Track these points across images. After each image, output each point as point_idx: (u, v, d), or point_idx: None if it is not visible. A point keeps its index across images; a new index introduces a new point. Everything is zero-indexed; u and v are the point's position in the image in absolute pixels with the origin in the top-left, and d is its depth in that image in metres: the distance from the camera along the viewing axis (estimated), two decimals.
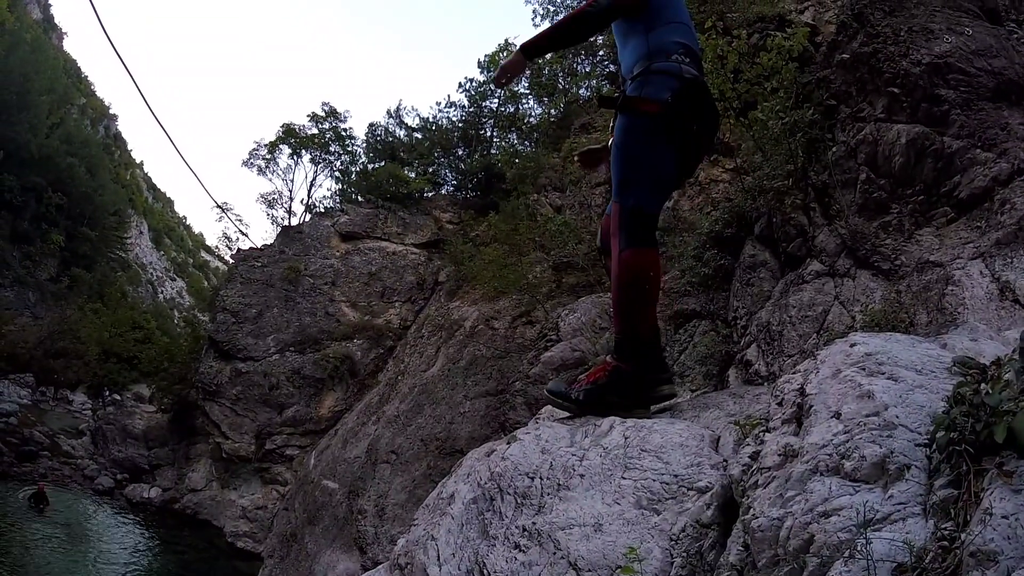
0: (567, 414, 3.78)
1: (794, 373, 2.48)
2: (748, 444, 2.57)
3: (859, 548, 1.56)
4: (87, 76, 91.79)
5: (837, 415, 2.04)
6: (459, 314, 19.04)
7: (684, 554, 2.50)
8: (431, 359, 18.13)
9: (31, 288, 44.47)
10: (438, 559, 3.53)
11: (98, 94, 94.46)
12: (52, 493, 23.22)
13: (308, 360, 23.36)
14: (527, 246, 16.90)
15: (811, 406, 2.18)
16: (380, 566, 4.73)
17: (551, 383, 3.79)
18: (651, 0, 3.24)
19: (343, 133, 32.18)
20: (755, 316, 8.25)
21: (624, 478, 3.04)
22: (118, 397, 29.98)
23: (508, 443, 3.73)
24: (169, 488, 25.42)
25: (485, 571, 3.12)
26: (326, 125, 31.76)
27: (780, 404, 2.44)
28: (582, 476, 3.18)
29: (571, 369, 11.76)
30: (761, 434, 2.50)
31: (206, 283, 77.77)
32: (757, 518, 1.98)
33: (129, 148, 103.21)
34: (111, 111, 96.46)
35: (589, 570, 2.70)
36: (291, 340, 23.97)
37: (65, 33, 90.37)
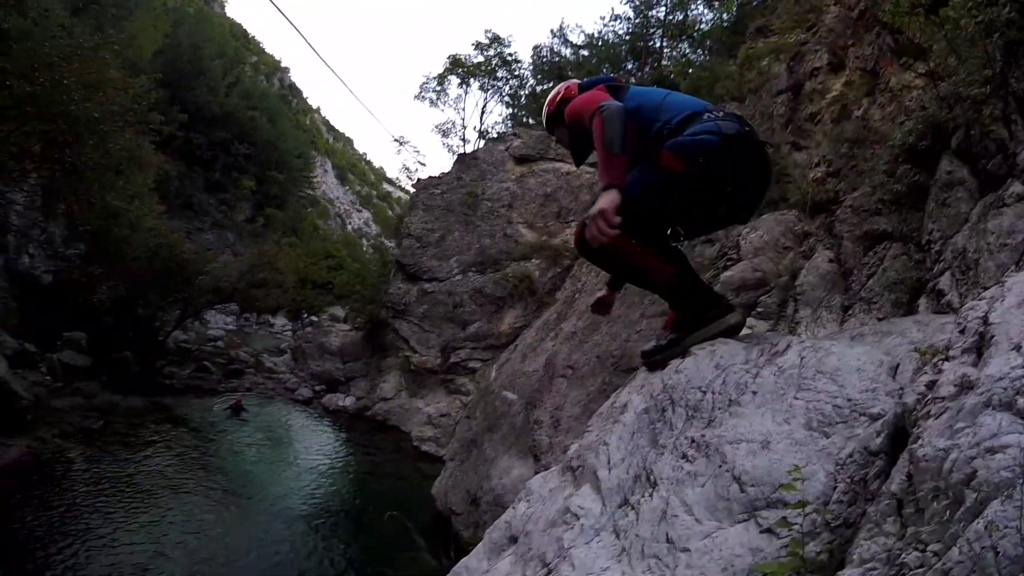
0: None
1: (979, 300, 2.31)
2: (926, 373, 2.43)
3: (1018, 489, 1.49)
4: (254, 36, 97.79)
5: (1018, 348, 1.90)
6: None
7: (848, 480, 2.43)
8: (608, 278, 18.63)
9: (229, 229, 49.56)
10: (608, 463, 3.73)
11: (268, 51, 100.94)
12: (256, 404, 26.40)
13: (489, 280, 24.81)
14: None
15: (993, 336, 2.04)
16: (553, 468, 4.69)
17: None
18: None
19: (508, 58, 32.45)
20: (950, 241, 7.42)
21: (796, 398, 2.94)
22: (315, 319, 33.00)
23: (682, 357, 3.76)
24: (362, 397, 28.12)
25: (652, 477, 3.25)
26: (491, 52, 32.18)
27: (962, 332, 2.30)
28: (754, 393, 3.13)
29: (751, 291, 11.49)
30: (940, 363, 2.35)
31: (390, 212, 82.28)
32: (923, 448, 1.93)
33: (305, 96, 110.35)
34: (282, 64, 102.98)
35: (753, 485, 2.73)
36: (472, 261, 25.51)
37: (226, 1, 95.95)
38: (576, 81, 4.09)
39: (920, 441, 1.97)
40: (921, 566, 1.73)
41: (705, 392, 3.32)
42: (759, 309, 10.62)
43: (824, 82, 12.63)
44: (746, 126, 3.13)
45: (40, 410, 19.98)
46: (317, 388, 29.38)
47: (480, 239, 25.80)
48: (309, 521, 18.77)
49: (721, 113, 3.11)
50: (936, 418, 2.03)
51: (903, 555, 1.83)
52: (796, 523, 2.31)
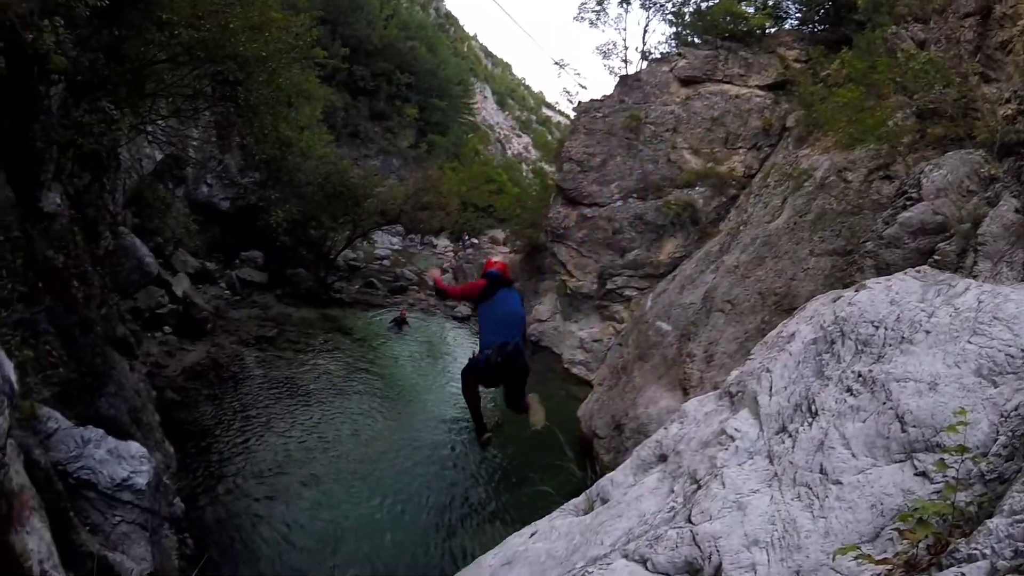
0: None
1: None
2: None
3: None
4: None
5: None
6: (808, 163, 17.85)
7: (1009, 433, 2.42)
8: (776, 210, 17.31)
9: (394, 156, 51.22)
10: (770, 389, 3.81)
11: None
12: (417, 319, 27.59)
13: (650, 207, 23.75)
14: (887, 88, 14.67)
15: None
16: (710, 393, 4.87)
17: None
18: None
19: None
20: None
21: (970, 343, 2.91)
22: (475, 241, 33.52)
23: (856, 290, 3.81)
24: None
25: (813, 407, 3.31)
26: None
27: None
28: (927, 333, 3.14)
29: (929, 236, 10.51)
30: None
31: (549, 137, 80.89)
32: None
33: (462, 24, 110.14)
34: None
35: (915, 426, 2.74)
36: (633, 187, 24.44)
37: None
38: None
39: None
40: None
41: (877, 327, 3.32)
42: (936, 257, 9.73)
43: (1016, 6, 10.90)
44: (498, 356, 6.81)
45: (220, 320, 21.84)
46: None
47: (642, 164, 24.60)
48: (460, 428, 19.78)
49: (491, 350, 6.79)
50: None
51: None
52: (952, 468, 2.34)
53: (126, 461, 6.76)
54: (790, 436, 3.24)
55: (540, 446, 18.51)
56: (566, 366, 24.83)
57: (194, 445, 15.72)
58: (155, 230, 19.56)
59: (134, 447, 7.04)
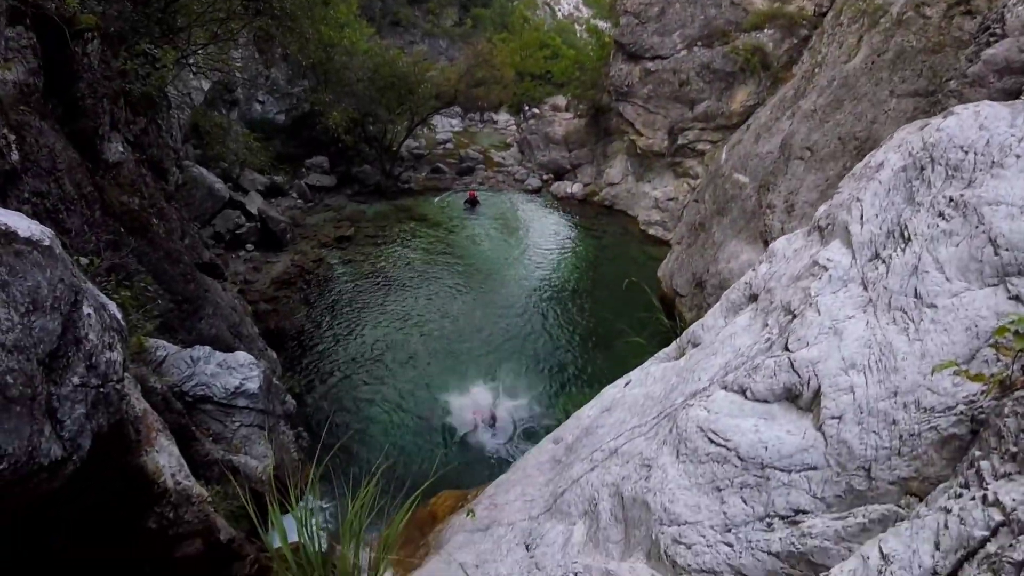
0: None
1: None
2: None
3: None
4: None
5: None
6: None
7: None
8: (852, 50, 16.24)
9: (439, 37, 49.39)
10: (861, 218, 3.83)
11: None
12: (488, 196, 27.70)
13: (717, 54, 22.51)
14: None
15: None
16: (796, 231, 4.71)
17: None
18: None
19: None
20: None
21: None
22: (536, 111, 32.87)
23: (944, 116, 3.70)
24: (589, 183, 28.31)
25: (906, 233, 3.34)
26: None
27: None
28: (1018, 157, 3.08)
29: (1017, 75, 9.74)
30: None
31: None
32: None
33: None
34: None
35: (1007, 249, 2.75)
36: (697, 35, 23.13)
37: None
38: None
39: None
40: None
41: (967, 152, 3.33)
42: None
43: None
44: None
45: (297, 228, 22.54)
46: (545, 177, 29.98)
47: (704, 9, 23.07)
48: (546, 295, 20.70)
49: None
50: None
51: None
52: None
53: (236, 370, 7.33)
54: (883, 262, 3.34)
55: (627, 303, 19.22)
56: (642, 227, 24.85)
57: (295, 347, 16.96)
58: (218, 156, 20.02)
59: (241, 356, 7.60)
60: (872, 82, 14.46)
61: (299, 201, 24.66)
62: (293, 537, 9.86)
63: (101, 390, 3.74)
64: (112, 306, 4.51)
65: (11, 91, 7.36)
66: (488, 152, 33.56)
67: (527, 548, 4.09)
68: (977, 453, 2.17)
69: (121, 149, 9.73)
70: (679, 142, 23.91)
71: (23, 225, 3.28)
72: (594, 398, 5.76)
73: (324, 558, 8.17)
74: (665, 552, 3.16)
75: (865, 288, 3.35)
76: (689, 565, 3.03)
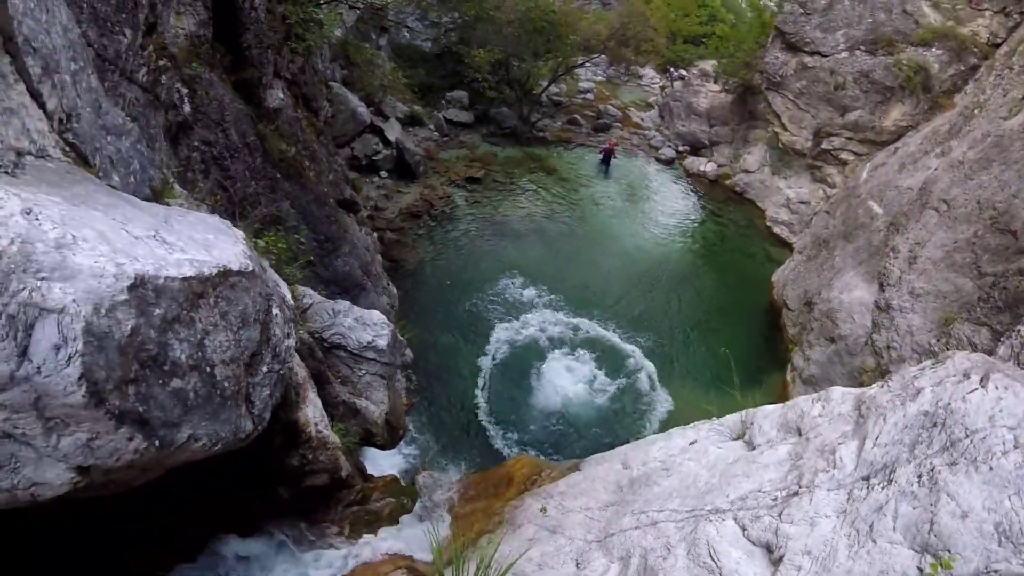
0: None
1: None
2: None
3: None
4: None
5: None
6: None
7: None
8: (1015, 105, 15.45)
9: None
10: (876, 438, 4.35)
11: None
12: (621, 159, 28.08)
13: (879, 63, 21.78)
14: None
15: None
16: (852, 393, 5.20)
17: None
18: None
19: None
20: None
21: (1008, 501, 3.30)
22: (684, 73, 32.56)
23: (982, 382, 4.01)
24: (723, 164, 28.18)
25: (892, 476, 3.93)
26: None
27: None
28: (990, 469, 3.50)
29: None
30: None
31: None
32: None
33: None
34: None
35: (935, 536, 3.35)
36: (862, 38, 22.41)
37: None
38: None
39: None
40: None
41: (967, 437, 3.79)
42: None
43: None
44: None
45: (430, 161, 23.83)
46: (680, 148, 29.95)
47: (874, 12, 22.26)
48: (656, 275, 21.55)
49: None
50: None
51: None
52: None
53: (369, 327, 8.62)
54: (868, 488, 4.05)
55: (736, 301, 20.67)
56: (768, 224, 24.89)
57: (412, 281, 18.57)
58: (362, 81, 21.20)
59: (376, 315, 8.88)
60: None
61: (435, 134, 25.89)
62: (395, 468, 11.52)
63: (280, 372, 4.95)
64: (287, 293, 5.74)
65: (183, 43, 8.56)
66: (627, 110, 33.57)
67: (577, 566, 5.19)
68: None
69: (281, 96, 11.02)
70: (823, 146, 23.55)
71: (233, 258, 4.42)
72: (662, 436, 6.71)
73: (412, 487, 9.66)
74: None
75: (848, 499, 4.12)
76: None
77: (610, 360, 17.25)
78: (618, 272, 21.11)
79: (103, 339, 3.24)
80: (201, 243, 4.35)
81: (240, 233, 5.01)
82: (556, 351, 17.13)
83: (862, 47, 22.59)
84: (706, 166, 28.31)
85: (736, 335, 19.25)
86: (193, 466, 4.46)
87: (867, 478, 4.20)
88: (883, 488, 3.97)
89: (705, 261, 23.11)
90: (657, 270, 21.66)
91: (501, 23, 25.21)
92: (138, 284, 3.43)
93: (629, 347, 17.90)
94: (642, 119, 32.81)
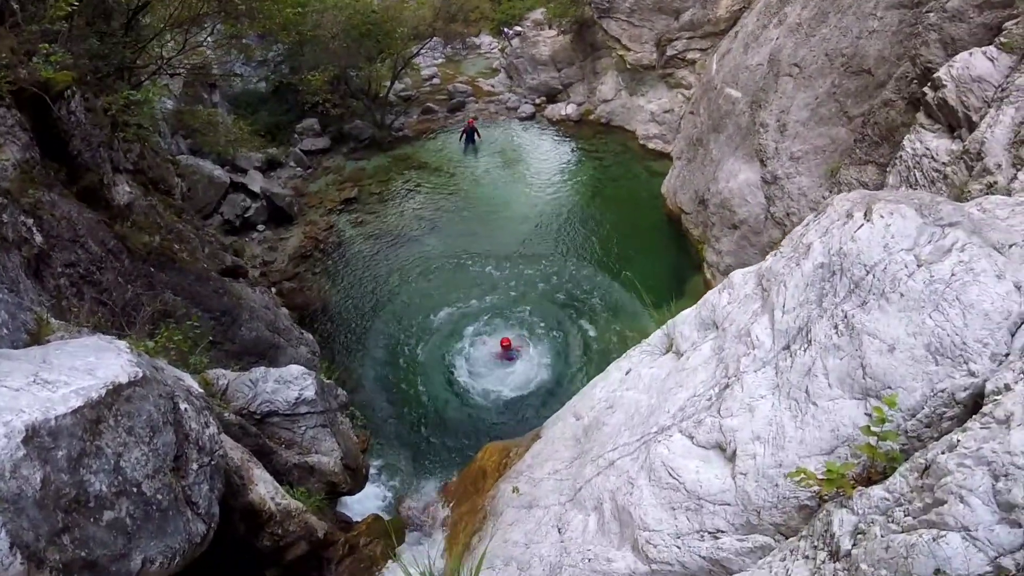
0: None
1: None
2: None
3: None
4: None
5: None
6: None
7: (931, 408, 3.28)
8: None
9: None
10: (783, 306, 4.61)
11: None
12: (484, 129, 28.24)
13: None
14: None
15: None
16: (751, 271, 5.66)
17: None
18: None
19: None
20: None
21: (930, 317, 3.51)
22: (519, 30, 32.77)
23: (866, 216, 4.29)
24: (583, 102, 28.69)
25: (809, 336, 4.14)
26: None
27: None
28: (901, 296, 3.69)
29: (997, 8, 10.12)
30: None
31: None
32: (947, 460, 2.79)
33: None
34: None
35: (872, 378, 3.55)
36: None
37: None
38: None
39: (957, 448, 2.71)
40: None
41: (868, 272, 4.01)
42: (1002, 39, 9.50)
43: None
44: None
45: (302, 198, 23.59)
46: (538, 101, 30.24)
47: None
48: (554, 226, 22.11)
49: None
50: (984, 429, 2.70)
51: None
52: (890, 419, 3.26)
53: (292, 384, 8.61)
54: (791, 356, 4.30)
55: (636, 224, 21.37)
56: (642, 142, 25.59)
57: (325, 320, 18.52)
58: (207, 144, 20.75)
59: (294, 370, 8.86)
60: None
61: (298, 169, 25.46)
62: (377, 507, 11.59)
63: (211, 463, 4.97)
64: (194, 384, 5.71)
65: (13, 173, 8.29)
66: (475, 82, 33.73)
67: (559, 532, 5.42)
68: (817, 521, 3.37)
69: (128, 188, 10.78)
70: (668, 53, 24.30)
71: (120, 371, 4.41)
72: (601, 376, 6.98)
73: (397, 518, 9.73)
74: (642, 548, 4.58)
75: (776, 374, 4.36)
76: (655, 558, 4.45)
77: (538, 326, 17.69)
78: (516, 238, 21.44)
79: (18, 501, 3.25)
80: (84, 369, 4.32)
81: (123, 344, 4.97)
82: (484, 336, 17.43)
83: None
84: (567, 109, 28.73)
85: (647, 256, 19.99)
86: None
87: (787, 347, 4.42)
88: (805, 351, 4.18)
89: (595, 198, 23.67)
90: (553, 223, 22.11)
91: (325, 40, 24.89)
92: (31, 435, 3.43)
93: (551, 308, 18.35)
94: (492, 85, 32.98)
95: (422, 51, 31.52)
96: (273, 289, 18.84)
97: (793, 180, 15.19)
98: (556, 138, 27.79)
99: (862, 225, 4.29)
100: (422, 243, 21.55)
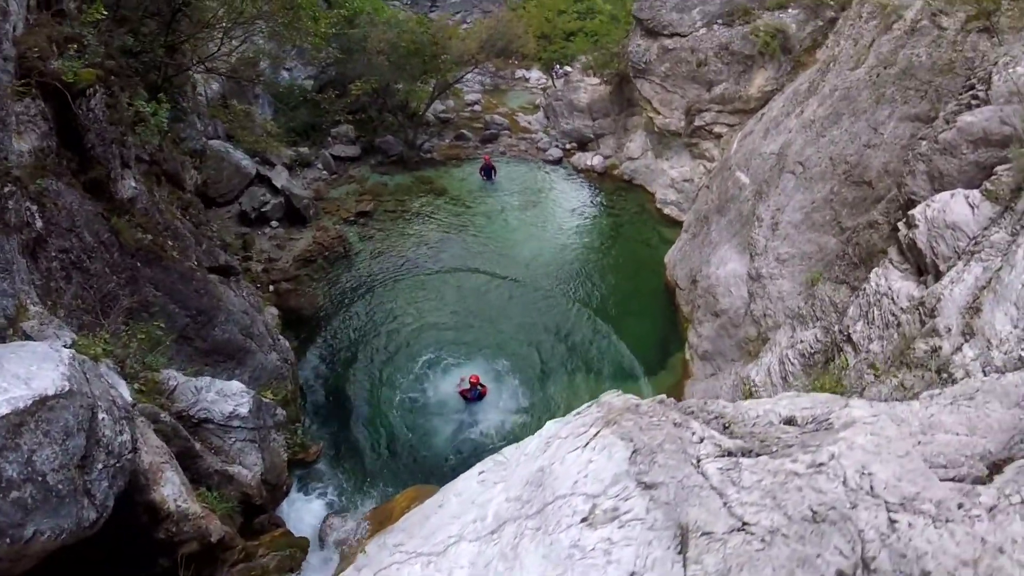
0: None
1: None
2: None
3: None
4: None
5: None
6: None
7: None
8: (862, 55, 16.21)
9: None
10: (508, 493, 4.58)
11: None
12: (510, 166, 29.45)
13: (737, 34, 23.40)
14: None
15: None
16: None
17: None
18: None
19: None
20: None
21: None
22: (569, 69, 34.01)
23: (591, 437, 4.35)
24: (609, 156, 29.69)
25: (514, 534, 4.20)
26: None
27: None
28: (551, 544, 3.86)
29: (994, 148, 9.60)
30: None
31: None
32: None
33: None
34: None
35: None
36: (718, 12, 24.07)
37: None
38: None
39: None
40: None
41: (553, 501, 4.16)
42: (989, 185, 9.00)
43: None
44: None
45: (321, 202, 24.90)
46: (568, 146, 31.32)
47: None
48: (558, 276, 22.82)
49: None
50: None
51: None
52: None
53: (231, 398, 9.79)
54: (495, 542, 4.45)
55: (637, 288, 22.05)
56: (659, 206, 26.44)
57: (312, 327, 19.57)
58: (239, 136, 22.07)
59: (235, 385, 10.04)
60: (873, 98, 14.49)
61: (324, 172, 26.87)
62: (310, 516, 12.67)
63: (117, 465, 6.12)
64: (124, 393, 6.92)
65: (27, 160, 9.44)
66: (515, 115, 34.95)
67: None
68: None
69: (134, 184, 12.01)
70: (696, 123, 25.09)
71: (51, 384, 5.53)
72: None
73: (303, 538, 10.82)
74: None
75: (479, 553, 4.47)
76: None
77: (515, 374, 18.42)
78: (516, 283, 22.26)
79: None
80: (24, 377, 5.49)
81: (67, 354, 6.13)
82: (456, 370, 18.16)
83: (719, 21, 24.12)
84: (593, 160, 29.69)
85: (640, 321, 20.59)
86: (72, 553, 5.72)
87: (494, 532, 4.44)
88: (496, 545, 4.22)
89: (602, 254, 24.39)
90: (555, 272, 22.84)
91: (372, 54, 26.32)
92: None
93: (530, 355, 19.12)
94: (529, 122, 34.11)
95: (467, 76, 32.76)
96: (271, 287, 20.23)
97: (775, 281, 15.46)
98: (578, 187, 28.77)
99: (575, 449, 4.34)
100: (422, 270, 22.60)
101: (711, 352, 17.65)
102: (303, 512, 13.44)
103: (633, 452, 4.11)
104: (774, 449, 3.89)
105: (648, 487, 3.85)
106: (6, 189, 8.17)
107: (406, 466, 15.78)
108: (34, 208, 9.20)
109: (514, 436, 15.93)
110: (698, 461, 3.97)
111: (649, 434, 4.20)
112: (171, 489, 7.34)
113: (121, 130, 11.72)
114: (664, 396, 5.15)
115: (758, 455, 3.94)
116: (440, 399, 17.46)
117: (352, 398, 17.44)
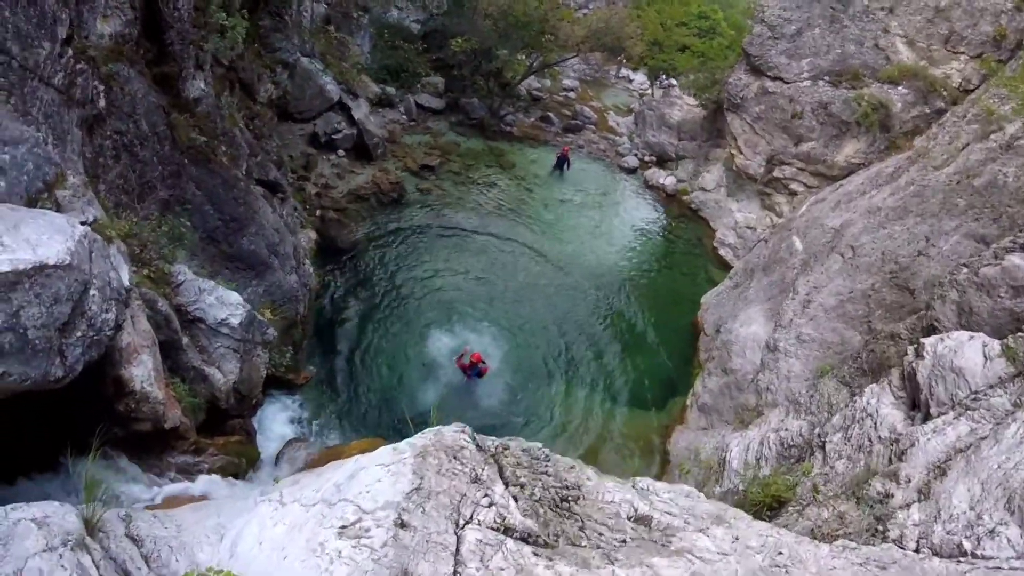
0: None
1: None
2: None
3: None
4: None
5: None
6: (1010, 107, 15.03)
7: None
8: (953, 154, 15.44)
9: None
10: None
11: None
12: (583, 163, 29.68)
13: (839, 96, 23.12)
14: None
15: None
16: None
17: None
18: None
19: None
20: None
21: None
22: (673, 82, 34.04)
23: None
24: (683, 180, 29.71)
25: None
26: None
27: None
28: None
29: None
30: None
31: None
32: None
33: None
34: None
35: None
36: (828, 68, 23.72)
37: None
38: None
39: None
40: None
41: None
42: (1011, 341, 8.41)
43: None
44: None
45: (391, 144, 25.70)
46: (646, 158, 31.37)
47: (844, 43, 23.56)
48: (594, 288, 22.87)
49: None
50: None
51: None
52: None
53: (226, 307, 10.70)
54: None
55: (669, 322, 22.06)
56: (716, 245, 26.45)
57: (344, 261, 20.42)
58: (329, 64, 22.94)
59: (234, 296, 10.92)
60: (946, 205, 13.85)
61: (403, 116, 27.69)
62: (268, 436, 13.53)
63: (95, 337, 7.03)
64: (123, 276, 7.83)
65: (106, 43, 10.34)
66: (607, 113, 35.14)
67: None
68: None
69: (202, 86, 12.94)
70: (774, 174, 25.01)
71: (55, 254, 6.38)
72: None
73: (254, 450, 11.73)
74: None
75: None
76: None
77: (520, 364, 18.85)
78: (552, 281, 22.54)
79: None
80: (34, 243, 6.38)
81: (80, 231, 7.00)
82: (466, 344, 18.38)
83: (826, 77, 23.83)
84: (666, 179, 29.77)
85: (657, 353, 20.74)
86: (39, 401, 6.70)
87: (308, 506, 5.02)
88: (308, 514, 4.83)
89: (646, 277, 24.51)
90: (593, 278, 23.07)
91: (480, 17, 26.94)
92: None
93: (542, 349, 19.55)
94: (618, 124, 34.26)
95: (571, 62, 33.05)
96: (318, 212, 21.21)
97: (788, 359, 15.21)
98: (643, 202, 28.98)
99: (380, 464, 4.95)
100: (464, 236, 23.21)
101: (710, 406, 17.57)
102: (277, 429, 14.40)
103: (415, 489, 4.72)
104: (563, 546, 4.40)
105: (402, 525, 4.41)
106: (79, 66, 9.10)
107: (382, 417, 16.41)
108: (101, 88, 10.09)
109: (493, 429, 16.63)
110: (464, 523, 4.56)
111: (440, 479, 4.81)
112: (141, 371, 8.26)
113: (203, 33, 12.65)
114: (540, 445, 5.78)
115: (538, 544, 4.49)
116: (441, 366, 17.93)
117: (358, 338, 18.14)
